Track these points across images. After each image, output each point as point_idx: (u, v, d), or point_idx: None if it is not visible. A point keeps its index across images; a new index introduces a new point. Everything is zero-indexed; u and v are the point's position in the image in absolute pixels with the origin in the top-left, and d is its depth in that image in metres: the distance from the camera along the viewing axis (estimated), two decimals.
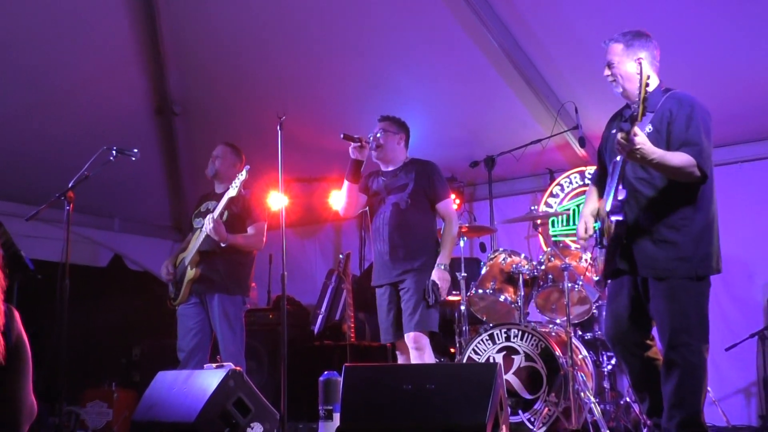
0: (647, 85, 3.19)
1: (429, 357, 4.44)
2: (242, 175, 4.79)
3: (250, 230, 5.15)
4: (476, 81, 6.52)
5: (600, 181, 3.89)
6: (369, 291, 4.83)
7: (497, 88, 6.44)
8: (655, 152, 3.30)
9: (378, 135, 4.74)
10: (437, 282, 4.50)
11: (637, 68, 3.29)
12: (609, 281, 3.75)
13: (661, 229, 3.48)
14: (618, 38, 3.64)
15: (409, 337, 4.45)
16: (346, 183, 4.71)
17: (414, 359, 4.45)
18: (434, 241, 4.70)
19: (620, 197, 3.46)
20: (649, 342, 3.63)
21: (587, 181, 7.21)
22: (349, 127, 4.71)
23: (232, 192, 4.82)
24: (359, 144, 4.61)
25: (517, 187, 7.76)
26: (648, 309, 3.55)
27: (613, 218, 3.47)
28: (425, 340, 4.44)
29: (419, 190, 4.64)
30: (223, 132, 6.98)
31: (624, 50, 3.61)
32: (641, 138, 3.24)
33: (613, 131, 3.71)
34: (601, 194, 3.83)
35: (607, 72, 3.67)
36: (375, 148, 4.71)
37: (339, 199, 4.83)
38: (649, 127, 3.48)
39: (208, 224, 4.88)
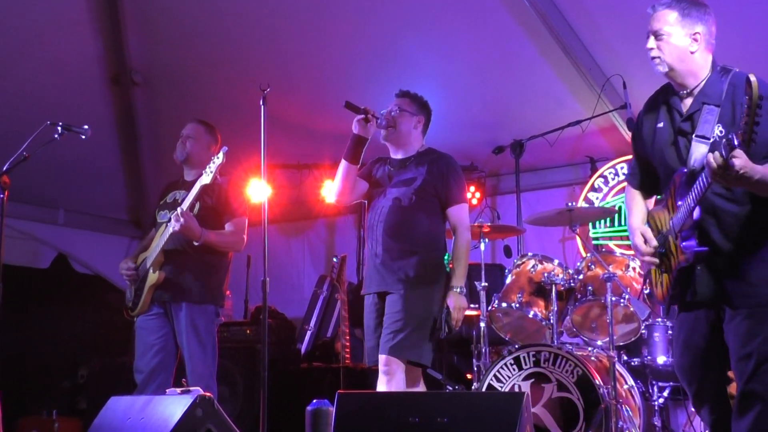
0: (760, 107, 2.99)
1: (398, 388, 4.40)
2: (218, 159, 4.77)
3: (228, 227, 5.14)
4: (503, 50, 6.51)
5: (644, 184, 3.87)
6: None
7: (529, 58, 6.43)
8: (757, 171, 3.17)
9: (392, 113, 4.73)
10: (452, 310, 4.49)
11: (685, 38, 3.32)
12: (675, 308, 3.74)
13: (756, 250, 3.46)
14: (671, 3, 3.52)
15: (381, 359, 4.46)
16: (343, 163, 4.69)
17: (379, 384, 4.45)
18: (440, 251, 4.66)
19: (694, 216, 3.41)
20: (730, 375, 3.61)
21: None
22: (350, 113, 4.68)
23: (206, 179, 4.81)
24: (364, 117, 4.59)
25: (551, 178, 7.75)
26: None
27: (697, 249, 3.43)
28: (396, 366, 4.42)
29: (429, 187, 4.62)
30: (194, 107, 6.97)
31: (679, 20, 3.49)
32: (742, 161, 3.11)
33: (662, 124, 3.64)
34: (645, 198, 3.84)
35: (651, 44, 3.56)
36: (385, 127, 4.69)
37: (334, 182, 4.82)
38: (719, 129, 3.43)
39: (175, 219, 4.87)
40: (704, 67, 3.54)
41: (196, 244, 4.96)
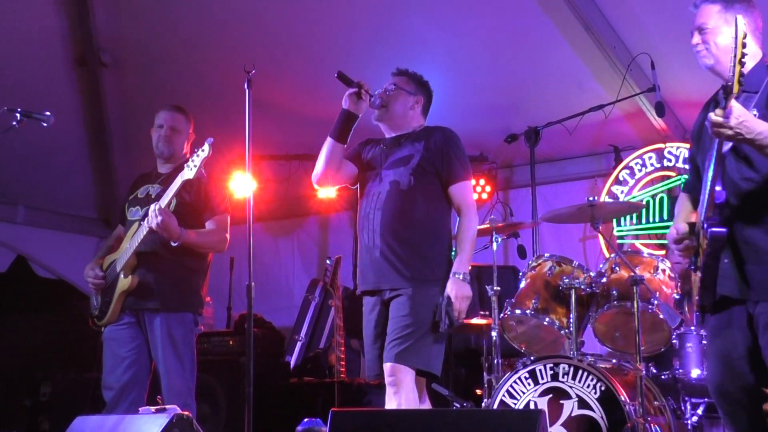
0: (744, 45, 3.23)
1: (408, 400, 4.37)
2: (204, 151, 4.74)
3: (209, 225, 5.13)
4: (517, 26, 6.51)
5: (695, 190, 3.93)
6: None
7: (545, 35, 6.43)
8: (761, 125, 3.34)
9: (387, 91, 4.72)
10: (453, 299, 4.48)
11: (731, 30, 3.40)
12: (708, 315, 3.77)
13: None
14: None
15: (386, 368, 4.43)
16: (328, 141, 4.67)
17: (387, 399, 4.43)
18: (446, 241, 4.64)
19: (718, 200, 3.48)
20: (766, 390, 3.63)
21: (666, 163, 7.22)
22: (344, 90, 4.67)
23: (189, 173, 4.77)
24: (356, 91, 4.58)
25: (570, 170, 7.76)
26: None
27: (713, 230, 3.48)
28: (404, 375, 4.39)
29: (428, 165, 4.58)
30: (170, 91, 6.98)
31: (721, 13, 3.73)
32: (739, 110, 3.28)
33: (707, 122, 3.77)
34: (695, 206, 3.88)
35: (696, 39, 3.79)
36: (378, 106, 4.69)
37: (317, 162, 4.78)
38: (754, 112, 3.51)
39: (152, 216, 4.85)
40: (751, 58, 3.64)
41: (174, 244, 4.94)
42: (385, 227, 4.54)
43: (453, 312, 4.40)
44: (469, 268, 4.53)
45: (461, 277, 4.45)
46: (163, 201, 4.87)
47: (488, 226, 5.83)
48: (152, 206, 4.84)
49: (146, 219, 4.88)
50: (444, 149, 4.60)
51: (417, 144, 4.63)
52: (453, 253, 4.64)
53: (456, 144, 4.66)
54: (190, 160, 4.76)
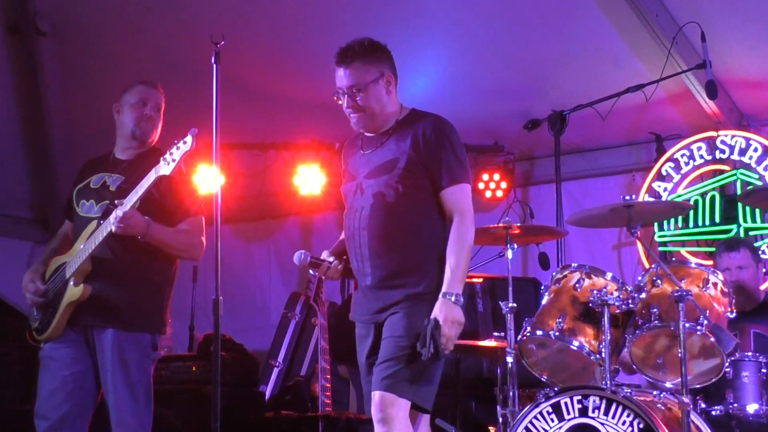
0: None
1: None
2: (186, 144, 4.70)
3: (182, 227, 5.10)
4: None
5: None
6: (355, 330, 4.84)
7: (573, 1, 6.44)
8: None
9: (357, 98, 4.55)
10: (441, 323, 4.44)
11: None
12: None
13: None
14: None
15: (374, 399, 4.41)
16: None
17: None
18: (443, 252, 4.61)
19: None
20: None
21: (719, 155, 7.23)
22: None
23: (165, 169, 4.74)
24: (326, 269, 4.64)
25: (603, 162, 7.79)
26: None
27: None
28: (397, 410, 4.34)
29: (416, 167, 4.52)
30: (122, 66, 6.97)
31: None
32: None
33: None
34: None
35: None
36: (359, 125, 4.62)
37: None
38: None
39: (115, 222, 4.79)
40: None
41: (140, 238, 4.90)
42: (374, 251, 4.50)
43: (440, 338, 4.35)
44: (462, 286, 4.46)
45: (453, 298, 4.39)
46: (129, 201, 4.81)
47: (503, 229, 5.82)
48: (115, 212, 4.80)
49: (108, 222, 4.83)
50: (436, 146, 4.53)
51: (402, 143, 4.55)
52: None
53: (450, 138, 4.57)
54: (168, 153, 4.72)
